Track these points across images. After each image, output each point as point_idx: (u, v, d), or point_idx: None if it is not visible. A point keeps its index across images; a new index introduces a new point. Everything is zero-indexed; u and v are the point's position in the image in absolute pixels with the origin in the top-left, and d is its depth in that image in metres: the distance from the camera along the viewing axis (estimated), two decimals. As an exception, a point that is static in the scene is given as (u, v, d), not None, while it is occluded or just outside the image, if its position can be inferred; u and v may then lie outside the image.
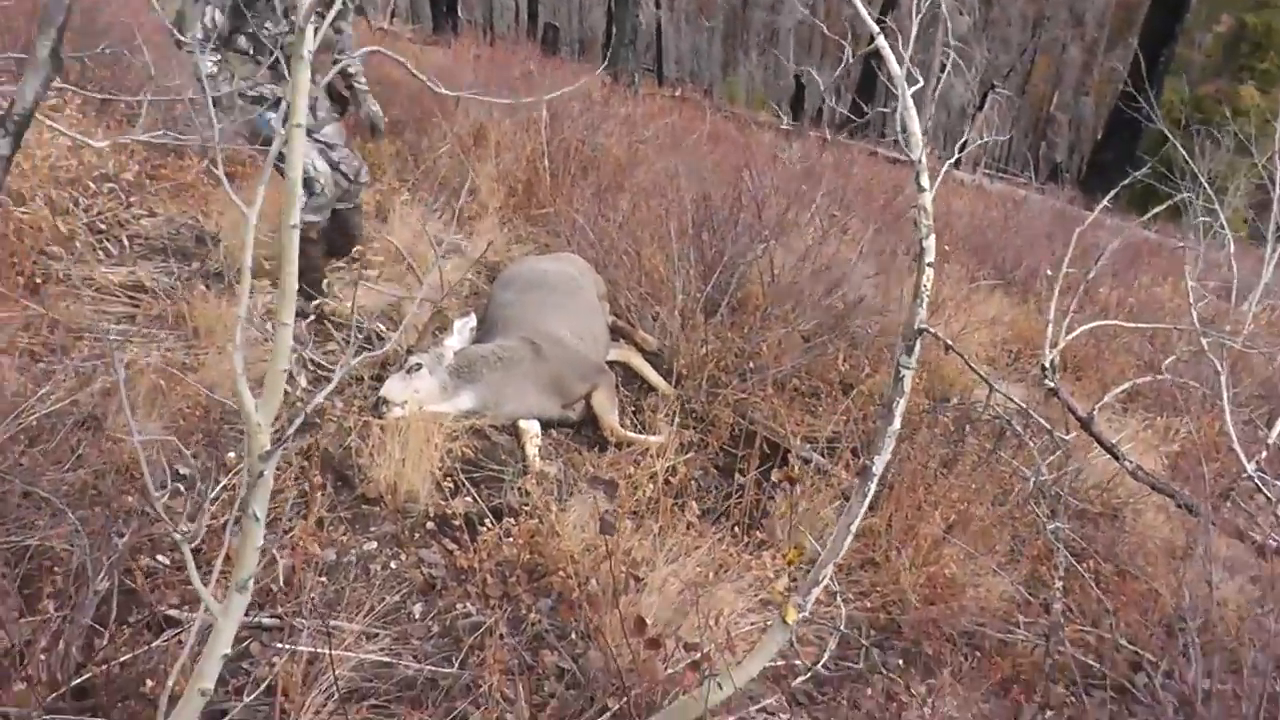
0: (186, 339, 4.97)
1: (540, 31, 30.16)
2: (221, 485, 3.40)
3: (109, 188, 5.57)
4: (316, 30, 3.98)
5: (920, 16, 4.07)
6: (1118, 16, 51.43)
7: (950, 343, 3.10)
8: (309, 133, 5.40)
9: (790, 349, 5.90)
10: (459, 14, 28.77)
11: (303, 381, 5.07)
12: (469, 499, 4.35)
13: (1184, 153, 8.35)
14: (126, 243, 5.58)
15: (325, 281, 5.79)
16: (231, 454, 4.19)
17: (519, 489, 4.53)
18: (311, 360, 5.29)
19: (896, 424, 3.06)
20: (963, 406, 5.54)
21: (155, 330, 5.00)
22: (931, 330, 3.07)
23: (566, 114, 9.12)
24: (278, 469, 4.11)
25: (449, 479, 4.45)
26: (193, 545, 2.26)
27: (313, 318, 5.57)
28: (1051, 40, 49.87)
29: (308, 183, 5.41)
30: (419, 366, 5.00)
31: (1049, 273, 9.71)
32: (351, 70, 5.70)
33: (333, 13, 4.13)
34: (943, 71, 22.24)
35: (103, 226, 5.58)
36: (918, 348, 3.10)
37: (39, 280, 5.01)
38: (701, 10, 47.48)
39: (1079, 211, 16.13)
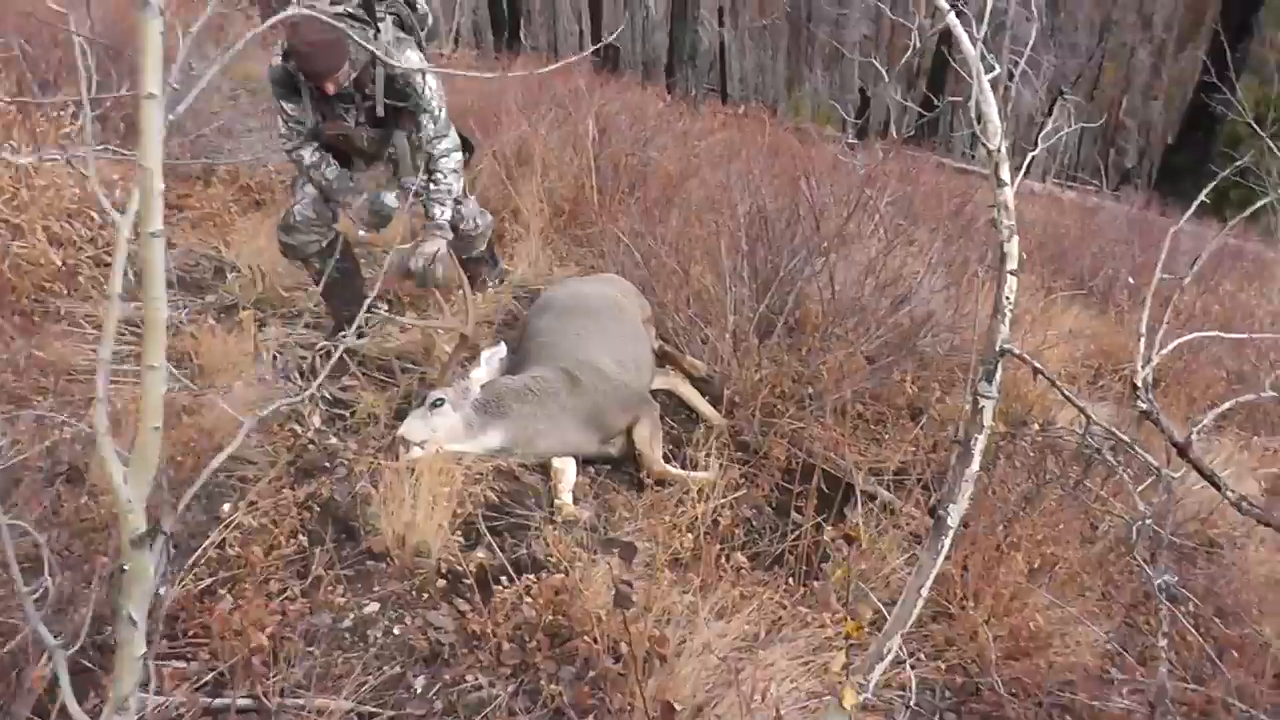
0: (191, 377, 4.57)
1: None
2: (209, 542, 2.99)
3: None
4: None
5: (986, 21, 3.63)
6: (1186, 19, 50.47)
7: (1039, 366, 2.60)
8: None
9: (853, 372, 5.40)
10: (522, 38, 28.63)
11: (315, 421, 4.64)
12: (488, 550, 3.90)
13: (1275, 148, 7.74)
14: (134, 276, 5.19)
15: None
16: (226, 506, 3.79)
17: (545, 538, 4.06)
18: (327, 395, 4.87)
19: (975, 465, 2.56)
20: (1047, 433, 4.98)
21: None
22: (1016, 351, 2.56)
23: (615, 128, 8.71)
24: (271, 521, 3.69)
25: (468, 527, 4.03)
26: (73, 650, 1.80)
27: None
28: (1119, 45, 48.99)
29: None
30: (441, 402, 4.56)
31: (1131, 281, 9.11)
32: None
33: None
34: (1011, 79, 21.66)
35: (109, 259, 5.21)
36: (999, 372, 2.60)
37: (36, 318, 4.65)
38: (765, 28, 47.15)
39: (1154, 217, 15.50)
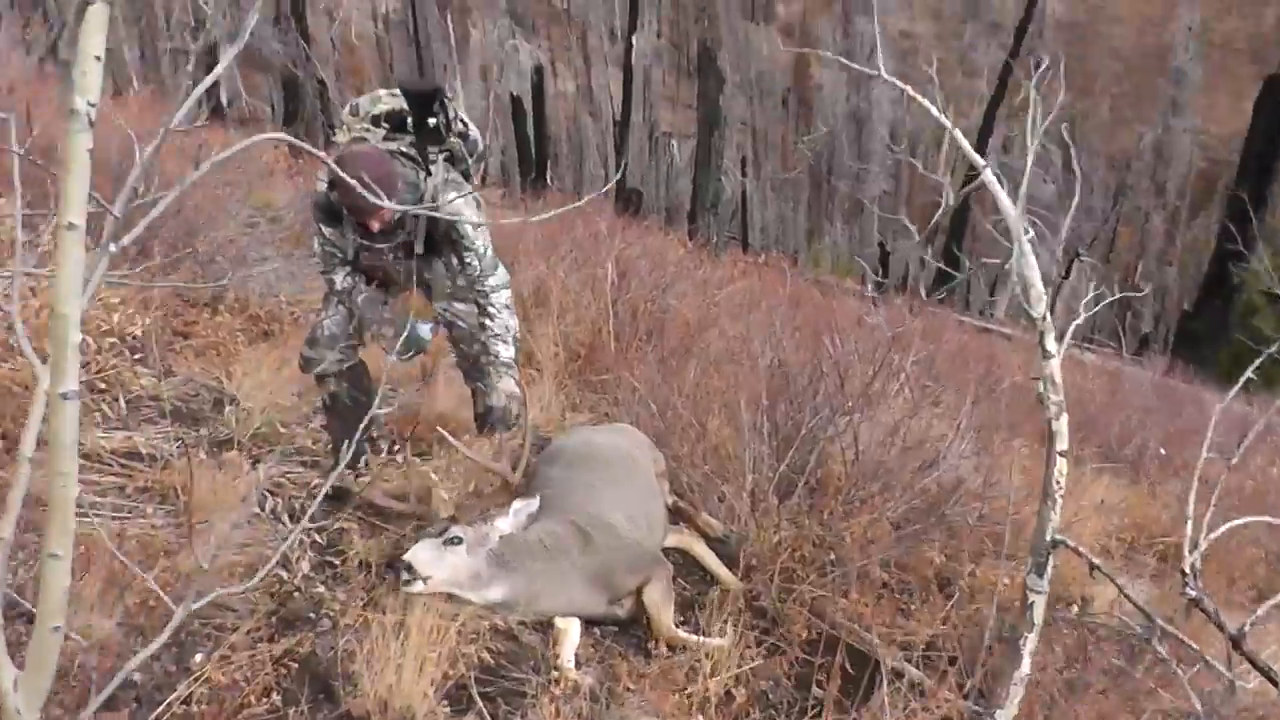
0: (177, 514, 4.33)
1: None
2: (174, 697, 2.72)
3: (110, 343, 4.99)
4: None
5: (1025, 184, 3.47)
6: (1199, 187, 51.31)
7: (1096, 562, 2.35)
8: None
9: (878, 538, 5.13)
10: (548, 180, 28.99)
11: (304, 567, 4.38)
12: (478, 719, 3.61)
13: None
14: (124, 404, 4.99)
15: (364, 458, 5.13)
16: (199, 656, 3.53)
17: (541, 708, 3.76)
18: (318, 540, 4.61)
19: (1025, 668, 2.31)
20: (1087, 616, 4.69)
21: (143, 504, 4.38)
22: (1070, 544, 2.31)
23: (635, 273, 8.57)
24: (244, 677, 3.42)
25: (460, 691, 3.76)
26: None
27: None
28: (1134, 209, 49.68)
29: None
30: (458, 541, 4.23)
31: (1162, 452, 8.84)
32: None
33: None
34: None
35: (102, 385, 5.01)
36: (1051, 565, 2.35)
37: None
38: (787, 180, 47.83)
39: (1178, 384, 15.31)
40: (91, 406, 4.85)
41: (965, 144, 3.28)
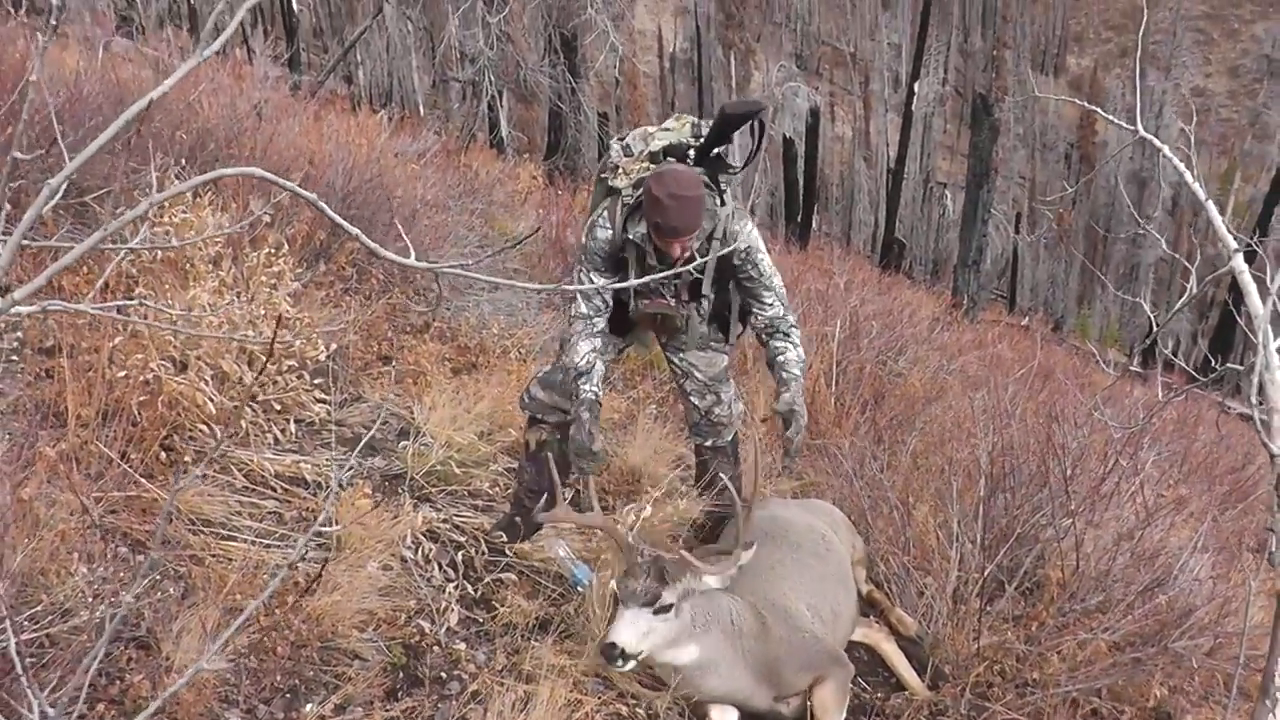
0: (326, 549, 4.16)
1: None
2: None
3: (290, 365, 4.89)
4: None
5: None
6: None
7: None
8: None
9: (1092, 660, 4.55)
10: (812, 224, 28.60)
11: (452, 620, 4.14)
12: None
13: None
14: (294, 427, 4.88)
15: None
16: (310, 706, 3.32)
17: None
18: (469, 588, 4.37)
19: None
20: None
21: (296, 534, 4.24)
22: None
23: (866, 332, 8.11)
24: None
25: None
26: None
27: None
28: None
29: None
30: (670, 609, 3.84)
31: None
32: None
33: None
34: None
35: (278, 407, 4.91)
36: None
37: (188, 460, 4.36)
38: (1062, 239, 46.03)
39: None
40: (264, 428, 4.76)
41: (1217, 218, 2.81)
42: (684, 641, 3.93)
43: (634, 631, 3.73)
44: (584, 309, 4.56)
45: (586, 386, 4.51)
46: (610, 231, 4.49)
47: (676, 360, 4.98)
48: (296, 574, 3.83)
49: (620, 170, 4.57)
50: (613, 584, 3.99)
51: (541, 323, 7.83)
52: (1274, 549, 2.12)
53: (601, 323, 4.59)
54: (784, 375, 4.67)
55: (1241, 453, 8.46)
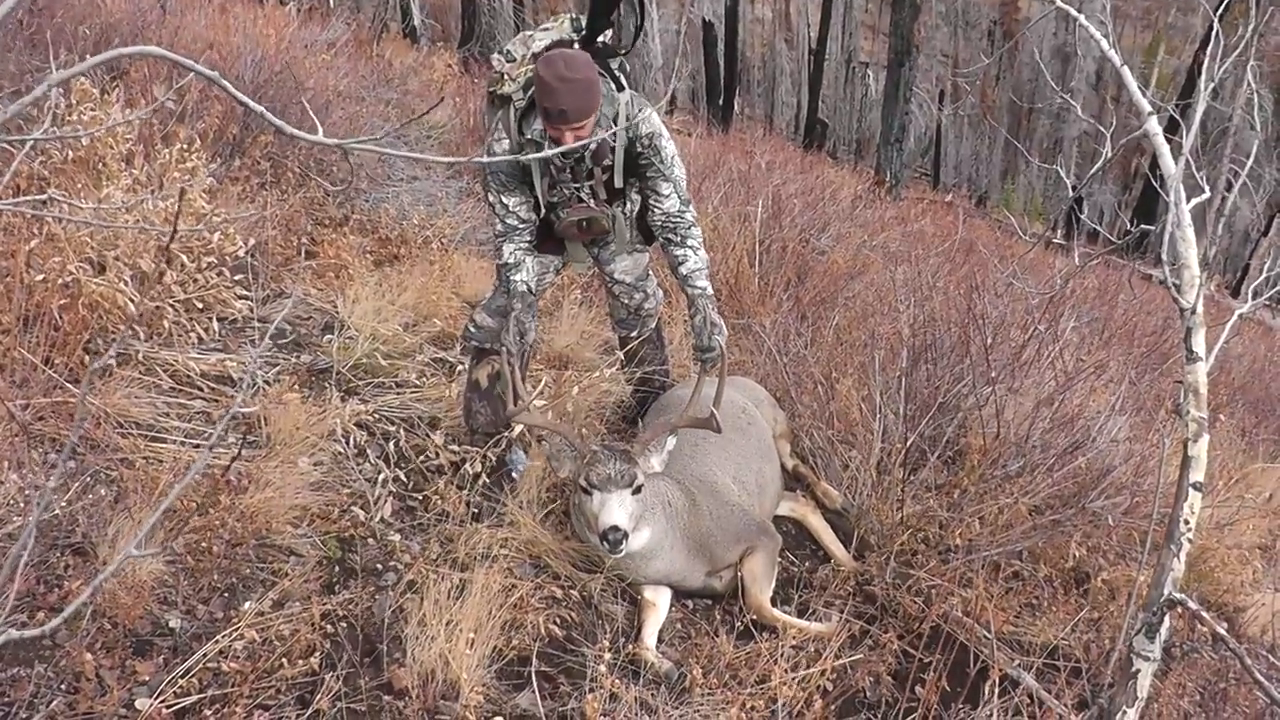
0: (256, 447, 4.14)
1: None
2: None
3: (209, 262, 4.80)
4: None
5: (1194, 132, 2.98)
6: None
7: (1222, 632, 1.90)
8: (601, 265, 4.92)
9: (1013, 524, 4.65)
10: (734, 107, 28.35)
11: (386, 511, 4.15)
12: (532, 698, 3.33)
13: None
14: (217, 325, 4.81)
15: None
16: (249, 604, 3.33)
17: (605, 689, 3.44)
18: (398, 479, 4.37)
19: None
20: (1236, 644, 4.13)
21: (225, 432, 4.21)
22: (1191, 604, 1.87)
23: (789, 211, 8.09)
24: (287, 633, 3.23)
25: (523, 663, 3.52)
26: None
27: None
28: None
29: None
30: (641, 490, 3.93)
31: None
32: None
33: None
34: (1229, 190, 20.39)
35: (200, 305, 4.83)
36: (1165, 628, 1.91)
37: (112, 363, 4.29)
38: (985, 114, 46.00)
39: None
40: (187, 327, 4.69)
41: (1133, 85, 2.81)
42: (641, 525, 3.98)
43: (625, 513, 3.82)
44: (504, 225, 4.45)
45: (516, 277, 4.45)
46: (508, 140, 4.35)
47: (606, 270, 4.91)
48: (229, 473, 3.80)
49: (506, 77, 4.41)
50: (562, 473, 4.07)
51: (462, 211, 7.71)
52: (1182, 400, 2.17)
53: (528, 234, 4.48)
54: (690, 292, 4.58)
55: (1161, 317, 8.57)
